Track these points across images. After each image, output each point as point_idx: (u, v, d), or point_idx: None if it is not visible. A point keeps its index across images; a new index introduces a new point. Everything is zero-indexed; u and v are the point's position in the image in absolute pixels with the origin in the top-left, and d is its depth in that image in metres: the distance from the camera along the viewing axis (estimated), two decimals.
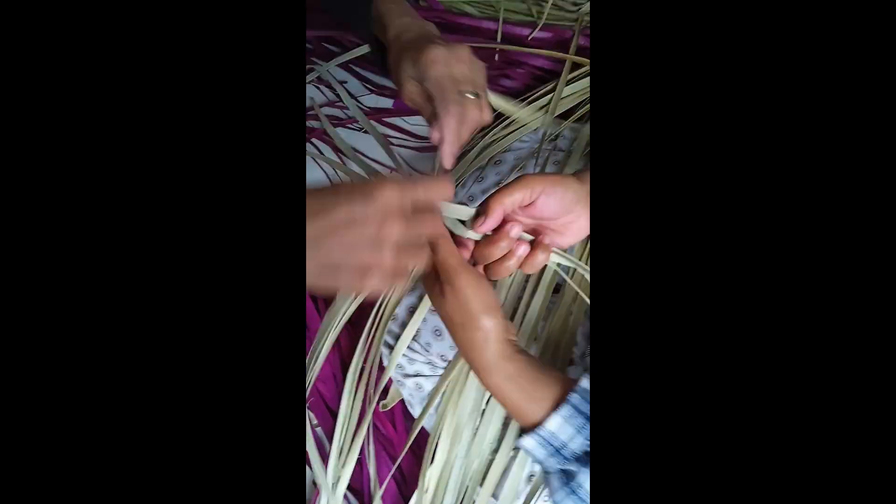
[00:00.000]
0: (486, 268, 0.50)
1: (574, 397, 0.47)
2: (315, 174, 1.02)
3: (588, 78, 0.91)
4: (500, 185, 0.54)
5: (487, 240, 0.49)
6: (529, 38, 1.03)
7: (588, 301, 0.64)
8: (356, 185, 0.38)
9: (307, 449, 0.84)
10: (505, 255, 0.48)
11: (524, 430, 0.49)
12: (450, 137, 0.50)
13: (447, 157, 0.51)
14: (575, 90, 0.90)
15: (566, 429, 0.46)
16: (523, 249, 0.48)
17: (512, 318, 0.70)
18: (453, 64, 0.50)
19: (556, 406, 0.47)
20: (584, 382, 0.47)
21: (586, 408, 0.46)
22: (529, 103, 0.90)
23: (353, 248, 0.37)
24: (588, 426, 0.46)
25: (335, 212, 0.37)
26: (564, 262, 0.54)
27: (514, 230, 0.48)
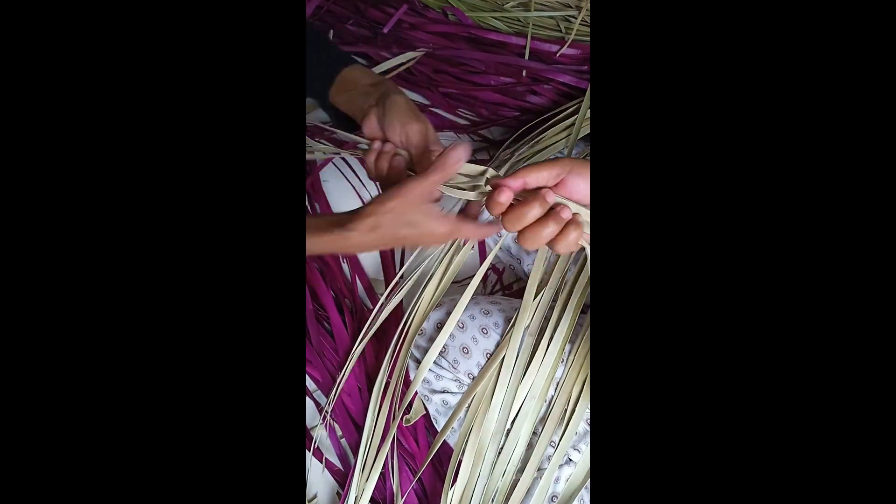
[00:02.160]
0: (520, 234, 0.47)
1: None
2: (344, 190, 1.04)
3: None
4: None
5: (520, 202, 0.46)
6: (558, 55, 1.04)
7: None
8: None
9: (332, 460, 0.85)
10: (543, 221, 0.46)
11: None
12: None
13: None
14: None
15: None
16: (567, 213, 0.46)
17: (539, 339, 0.71)
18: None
19: None
20: None
21: None
22: (555, 123, 0.90)
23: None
24: None
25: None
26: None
27: (550, 196, 0.46)
